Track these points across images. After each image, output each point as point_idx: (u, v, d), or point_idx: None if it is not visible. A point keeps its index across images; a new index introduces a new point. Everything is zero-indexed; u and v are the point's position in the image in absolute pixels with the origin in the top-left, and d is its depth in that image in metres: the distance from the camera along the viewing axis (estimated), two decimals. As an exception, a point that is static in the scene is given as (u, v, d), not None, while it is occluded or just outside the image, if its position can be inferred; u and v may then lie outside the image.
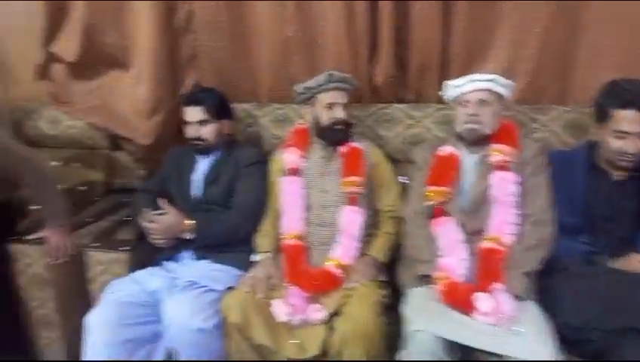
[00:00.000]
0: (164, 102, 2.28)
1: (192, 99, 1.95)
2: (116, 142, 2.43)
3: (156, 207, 1.82)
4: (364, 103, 2.14)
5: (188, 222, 1.80)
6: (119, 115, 2.34)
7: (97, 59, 2.35)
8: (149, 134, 2.29)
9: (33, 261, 1.89)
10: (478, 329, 1.40)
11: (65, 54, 2.33)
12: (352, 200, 1.79)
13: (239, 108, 2.20)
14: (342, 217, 1.78)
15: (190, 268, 1.79)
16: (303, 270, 1.73)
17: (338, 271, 1.70)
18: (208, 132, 1.93)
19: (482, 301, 1.44)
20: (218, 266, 1.78)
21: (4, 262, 1.90)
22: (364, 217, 1.79)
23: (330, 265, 1.71)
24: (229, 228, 1.85)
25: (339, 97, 1.82)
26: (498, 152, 1.66)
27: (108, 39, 2.30)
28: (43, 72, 2.42)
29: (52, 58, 2.38)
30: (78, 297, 1.94)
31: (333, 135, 1.84)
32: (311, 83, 1.83)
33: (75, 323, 1.95)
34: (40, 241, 1.88)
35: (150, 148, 2.30)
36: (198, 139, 1.92)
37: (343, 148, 1.86)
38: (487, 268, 1.52)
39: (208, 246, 1.82)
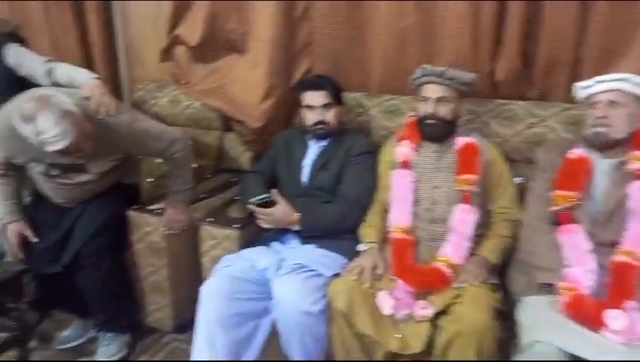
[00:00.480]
0: (276, 88, 2.34)
1: (315, 84, 1.98)
2: (228, 123, 2.53)
3: (265, 190, 1.88)
4: (483, 98, 2.05)
5: (296, 215, 1.84)
6: (233, 98, 2.44)
7: (217, 44, 2.46)
8: (260, 118, 2.36)
9: (152, 230, 2.02)
10: (607, 346, 1.30)
11: (188, 38, 2.47)
12: (465, 199, 1.73)
13: (349, 97, 2.20)
14: (454, 215, 1.72)
15: (296, 250, 1.82)
16: (410, 265, 1.70)
17: (448, 270, 1.65)
18: (331, 116, 1.96)
19: (614, 318, 1.32)
20: (324, 251, 1.80)
21: (124, 228, 2.06)
22: (476, 217, 1.72)
23: (439, 264, 1.67)
24: (334, 220, 1.86)
25: (435, 91, 1.76)
26: (638, 160, 1.52)
27: (228, 25, 2.40)
28: (167, 55, 2.58)
29: (176, 41, 2.53)
30: (189, 268, 2.05)
31: (424, 129, 1.80)
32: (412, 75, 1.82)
33: (184, 291, 2.09)
34: (160, 212, 2.01)
35: (260, 131, 2.37)
36: (321, 123, 1.96)
37: (457, 144, 1.80)
38: (620, 284, 1.40)
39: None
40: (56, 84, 1.91)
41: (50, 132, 1.57)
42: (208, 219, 2.00)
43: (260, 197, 1.83)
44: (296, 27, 2.32)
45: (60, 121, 1.58)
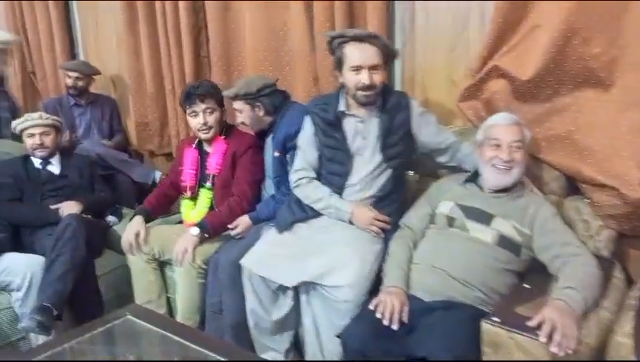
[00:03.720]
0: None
1: None
2: (574, 186, 1.82)
3: None
4: None
5: None
6: (590, 152, 1.71)
7: (564, 75, 1.75)
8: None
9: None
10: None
11: (516, 70, 1.80)
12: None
13: None
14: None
15: None
16: None
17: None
18: None
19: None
20: None
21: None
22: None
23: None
24: None
25: None
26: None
27: (589, 49, 1.67)
28: (473, 92, 1.95)
29: (493, 74, 1.88)
30: None
31: None
32: None
33: None
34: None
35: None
36: None
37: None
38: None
39: None
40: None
41: None
42: None
43: None
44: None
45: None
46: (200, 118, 2.13)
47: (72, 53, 3.65)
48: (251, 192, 2.15)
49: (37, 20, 3.66)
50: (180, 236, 2.03)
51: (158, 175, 3.19)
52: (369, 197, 1.83)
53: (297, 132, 1.96)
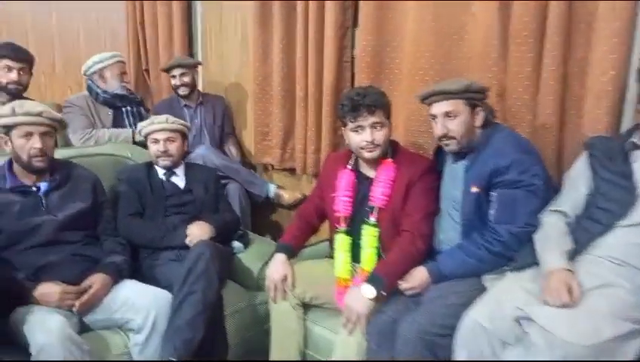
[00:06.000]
0: None
1: None
2: None
3: None
4: None
5: None
6: None
7: None
8: None
9: None
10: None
11: None
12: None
13: None
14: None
15: None
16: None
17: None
18: None
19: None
20: None
21: None
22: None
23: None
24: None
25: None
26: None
27: None
28: None
29: None
30: None
31: None
32: None
33: None
34: None
35: None
36: None
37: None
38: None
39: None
40: None
41: None
42: None
43: None
44: None
45: None
46: (366, 135, 1.70)
47: (189, 53, 3.40)
48: (426, 228, 1.69)
49: (157, 16, 3.46)
50: (335, 281, 1.61)
51: (272, 188, 2.82)
52: None
53: (508, 167, 1.49)
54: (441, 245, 1.70)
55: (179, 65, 2.97)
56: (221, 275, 1.80)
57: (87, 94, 2.83)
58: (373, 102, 1.69)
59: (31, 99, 2.11)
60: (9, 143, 1.73)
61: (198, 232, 1.90)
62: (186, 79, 2.96)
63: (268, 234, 2.89)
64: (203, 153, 2.73)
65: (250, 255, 2.11)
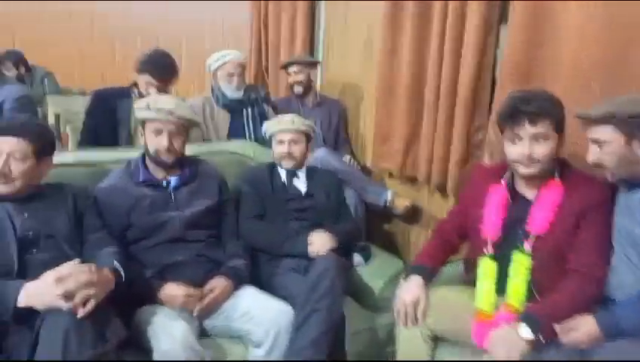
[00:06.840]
0: None
1: None
2: None
3: None
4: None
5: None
6: None
7: None
8: None
9: None
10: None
11: None
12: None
13: None
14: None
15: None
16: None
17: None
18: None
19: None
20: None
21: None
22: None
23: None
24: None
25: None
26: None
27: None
28: None
29: None
30: None
31: None
32: None
33: None
34: None
35: None
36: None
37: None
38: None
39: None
40: None
41: None
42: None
43: None
44: None
45: None
46: (524, 147, 1.44)
47: (311, 54, 3.32)
48: (601, 271, 1.39)
49: (280, 16, 3.44)
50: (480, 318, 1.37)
51: (389, 194, 2.62)
52: None
53: None
54: (613, 291, 1.39)
55: (295, 63, 2.93)
56: (344, 292, 1.65)
57: (209, 96, 2.76)
58: (537, 110, 1.43)
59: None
60: (143, 137, 1.73)
61: (319, 242, 1.77)
62: (301, 76, 2.91)
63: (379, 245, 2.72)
64: (321, 156, 2.61)
65: (371, 270, 1.94)
